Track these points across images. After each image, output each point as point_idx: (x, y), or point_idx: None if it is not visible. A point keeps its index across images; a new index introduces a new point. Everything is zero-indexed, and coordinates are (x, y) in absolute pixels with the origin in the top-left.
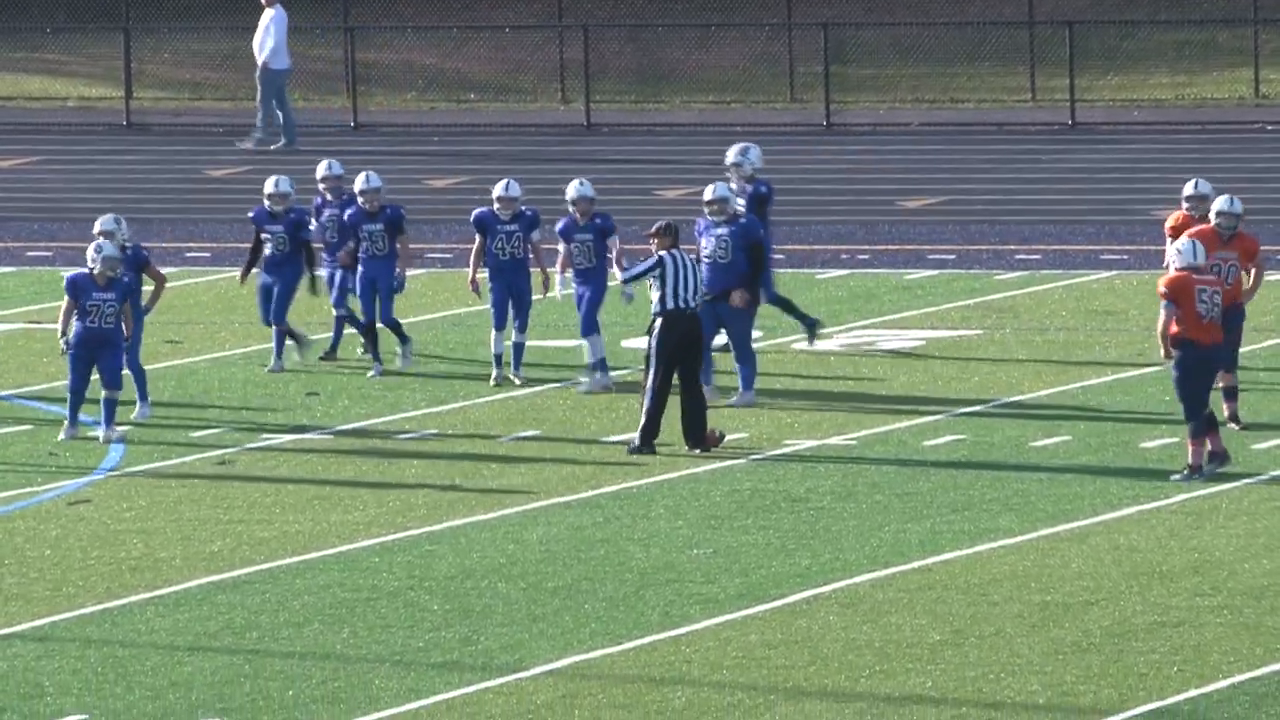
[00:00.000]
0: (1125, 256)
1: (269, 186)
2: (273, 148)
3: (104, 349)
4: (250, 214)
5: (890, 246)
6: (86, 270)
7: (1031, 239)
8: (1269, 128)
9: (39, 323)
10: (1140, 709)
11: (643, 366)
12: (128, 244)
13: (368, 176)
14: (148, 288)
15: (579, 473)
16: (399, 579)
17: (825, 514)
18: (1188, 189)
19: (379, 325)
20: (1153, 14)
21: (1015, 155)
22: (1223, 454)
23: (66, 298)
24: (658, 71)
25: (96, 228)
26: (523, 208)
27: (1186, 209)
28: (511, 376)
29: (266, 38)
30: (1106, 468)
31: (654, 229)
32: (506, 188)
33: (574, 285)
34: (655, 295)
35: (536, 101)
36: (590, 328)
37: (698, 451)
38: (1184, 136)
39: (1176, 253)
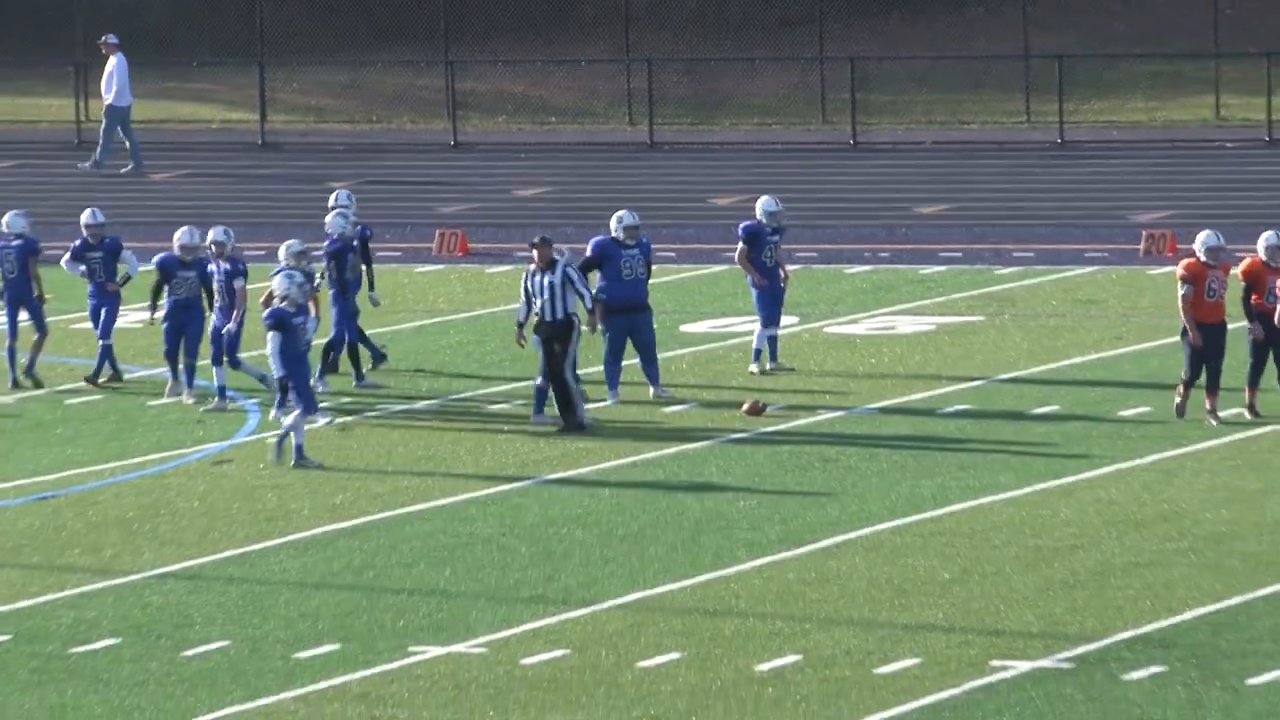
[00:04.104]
0: (1106, 254)
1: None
2: (123, 171)
3: None
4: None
5: (907, 246)
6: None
7: (1026, 240)
8: (1228, 145)
9: None
10: (1118, 636)
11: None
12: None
13: (225, 231)
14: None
15: (644, 438)
16: (492, 527)
17: (852, 472)
18: (1273, 239)
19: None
20: (1129, 48)
21: (1012, 169)
22: None
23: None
24: (711, 98)
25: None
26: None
27: (1265, 260)
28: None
29: (112, 81)
30: (1090, 432)
31: (538, 240)
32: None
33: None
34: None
35: (608, 123)
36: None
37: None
38: (1156, 153)
39: None
